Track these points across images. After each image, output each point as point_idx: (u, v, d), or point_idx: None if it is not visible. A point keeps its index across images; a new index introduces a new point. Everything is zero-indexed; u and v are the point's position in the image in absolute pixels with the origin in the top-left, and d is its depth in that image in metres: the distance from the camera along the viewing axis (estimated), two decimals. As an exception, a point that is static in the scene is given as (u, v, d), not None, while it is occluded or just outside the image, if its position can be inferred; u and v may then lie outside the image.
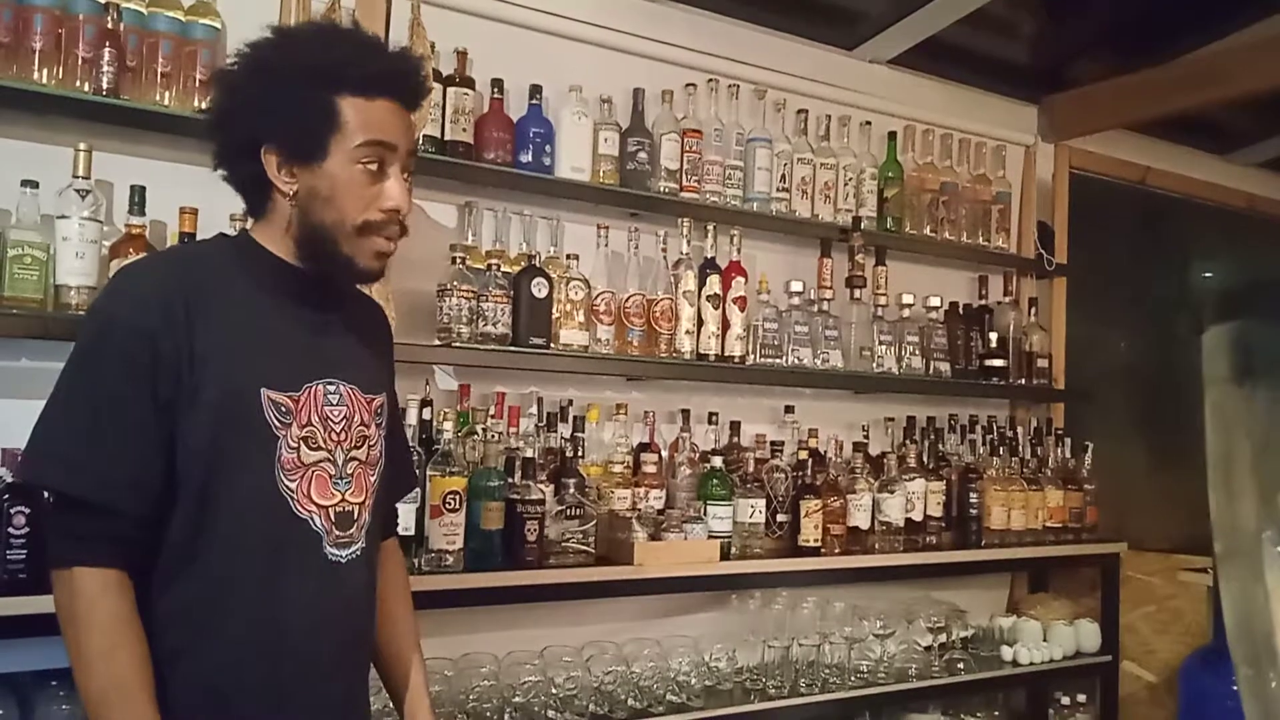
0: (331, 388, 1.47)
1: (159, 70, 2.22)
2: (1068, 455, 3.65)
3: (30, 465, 1.39)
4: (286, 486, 1.40)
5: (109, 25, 2.15)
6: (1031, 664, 3.33)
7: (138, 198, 2.16)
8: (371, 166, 1.41)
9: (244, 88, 1.43)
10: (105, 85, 2.14)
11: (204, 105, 2.06)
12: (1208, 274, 4.92)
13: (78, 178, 2.09)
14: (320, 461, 1.44)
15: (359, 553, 1.48)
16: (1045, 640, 3.43)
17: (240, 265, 1.46)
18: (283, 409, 1.41)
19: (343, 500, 1.46)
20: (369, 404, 1.53)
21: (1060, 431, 3.73)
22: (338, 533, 1.45)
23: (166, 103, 2.22)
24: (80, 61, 2.13)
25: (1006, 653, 3.34)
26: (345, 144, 1.40)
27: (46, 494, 1.39)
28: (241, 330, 1.41)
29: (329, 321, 1.52)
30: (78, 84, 2.13)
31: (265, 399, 1.39)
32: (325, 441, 1.45)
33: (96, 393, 1.34)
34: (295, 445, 1.41)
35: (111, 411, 1.33)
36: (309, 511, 1.42)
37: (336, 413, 1.47)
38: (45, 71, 2.11)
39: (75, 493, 1.33)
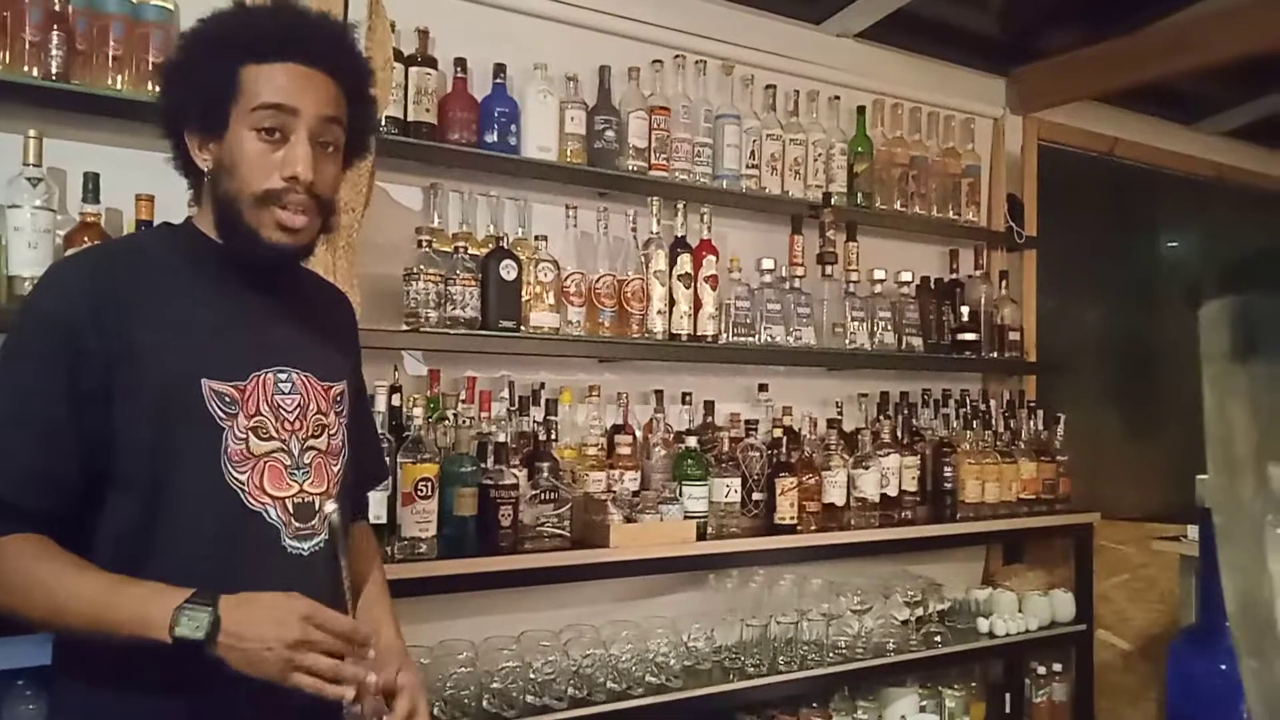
0: (283, 376, 1.44)
1: (110, 53, 2.16)
2: (1040, 427, 3.66)
3: None
4: (235, 479, 1.37)
5: (56, 7, 2.08)
6: (1008, 635, 3.35)
7: (91, 185, 2.10)
8: (267, 129, 1.37)
9: (165, 74, 1.46)
10: (54, 69, 2.07)
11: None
12: (1173, 244, 4.94)
13: (28, 165, 2.03)
14: (273, 452, 1.40)
15: (322, 544, 1.44)
16: (1021, 611, 3.45)
17: (181, 254, 1.44)
18: (227, 399, 1.37)
19: (301, 491, 1.43)
20: (326, 392, 1.50)
21: (1032, 404, 3.74)
22: (297, 524, 1.42)
23: (119, 87, 2.16)
24: (28, 45, 2.06)
25: (983, 624, 3.36)
26: (243, 110, 1.38)
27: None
28: (181, 321, 1.38)
29: (279, 308, 1.49)
30: (25, 68, 2.06)
31: (207, 389, 1.36)
32: (278, 431, 1.41)
33: (12, 387, 1.33)
34: (243, 436, 1.38)
35: (24, 407, 1.31)
36: (262, 504, 1.39)
37: (289, 401, 1.44)
38: (-9, 56, 2.04)
39: None
